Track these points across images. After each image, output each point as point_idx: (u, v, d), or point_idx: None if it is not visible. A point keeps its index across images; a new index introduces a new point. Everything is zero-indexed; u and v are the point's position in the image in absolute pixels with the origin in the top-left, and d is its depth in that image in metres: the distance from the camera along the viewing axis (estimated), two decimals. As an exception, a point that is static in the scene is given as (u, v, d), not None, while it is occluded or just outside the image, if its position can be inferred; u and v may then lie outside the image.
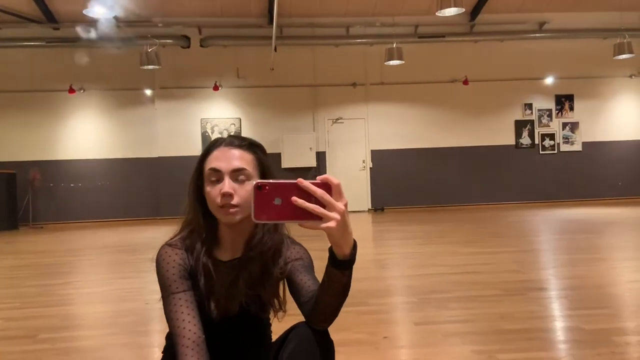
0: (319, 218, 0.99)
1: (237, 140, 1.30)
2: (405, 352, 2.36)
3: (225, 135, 1.41)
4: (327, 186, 1.00)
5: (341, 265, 1.08)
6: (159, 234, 9.20)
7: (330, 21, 10.95)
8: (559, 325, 2.70)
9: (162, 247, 1.31)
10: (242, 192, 1.24)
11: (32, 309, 3.42)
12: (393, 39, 10.40)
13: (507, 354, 2.26)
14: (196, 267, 1.28)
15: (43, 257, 6.07)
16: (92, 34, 9.05)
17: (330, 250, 1.08)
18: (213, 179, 1.25)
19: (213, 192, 1.25)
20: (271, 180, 1.00)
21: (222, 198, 1.23)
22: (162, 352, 1.42)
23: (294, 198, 0.98)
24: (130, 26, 10.28)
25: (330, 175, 1.00)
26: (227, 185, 1.23)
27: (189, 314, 1.24)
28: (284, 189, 0.99)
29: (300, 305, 1.26)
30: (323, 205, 0.99)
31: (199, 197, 1.30)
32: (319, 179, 1.00)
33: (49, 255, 6.26)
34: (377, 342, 2.52)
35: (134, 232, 8.64)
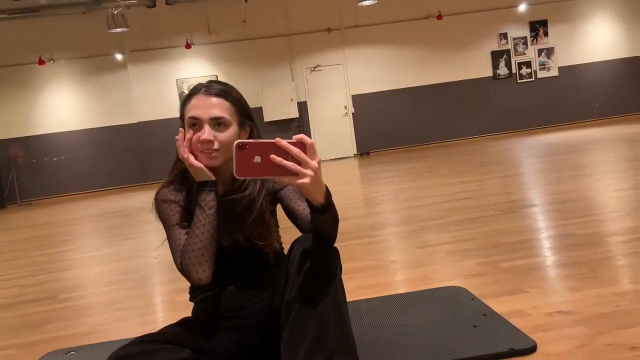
0: (295, 174, 1.08)
1: (214, 88, 1.39)
2: (415, 270, 2.49)
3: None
4: (302, 145, 1.09)
5: (319, 210, 1.20)
6: (151, 197, 9.20)
7: (298, -35, 10.69)
8: (554, 234, 2.86)
9: (160, 189, 1.45)
10: (221, 138, 1.35)
11: (45, 275, 3.50)
12: (364, -22, 10.21)
13: (510, 262, 2.41)
14: (193, 203, 1.41)
15: (41, 230, 6.10)
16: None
17: (308, 200, 1.19)
18: (194, 125, 1.36)
19: (194, 138, 1.35)
20: (251, 140, 1.09)
21: (203, 144, 1.34)
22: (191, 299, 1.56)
23: (273, 156, 1.07)
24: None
25: (304, 136, 1.09)
26: (207, 132, 1.34)
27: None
28: (263, 148, 1.08)
29: (303, 232, 1.37)
30: (299, 163, 1.08)
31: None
32: (294, 138, 1.09)
33: (47, 227, 6.29)
34: (386, 265, 2.66)
35: (125, 199, 8.66)
